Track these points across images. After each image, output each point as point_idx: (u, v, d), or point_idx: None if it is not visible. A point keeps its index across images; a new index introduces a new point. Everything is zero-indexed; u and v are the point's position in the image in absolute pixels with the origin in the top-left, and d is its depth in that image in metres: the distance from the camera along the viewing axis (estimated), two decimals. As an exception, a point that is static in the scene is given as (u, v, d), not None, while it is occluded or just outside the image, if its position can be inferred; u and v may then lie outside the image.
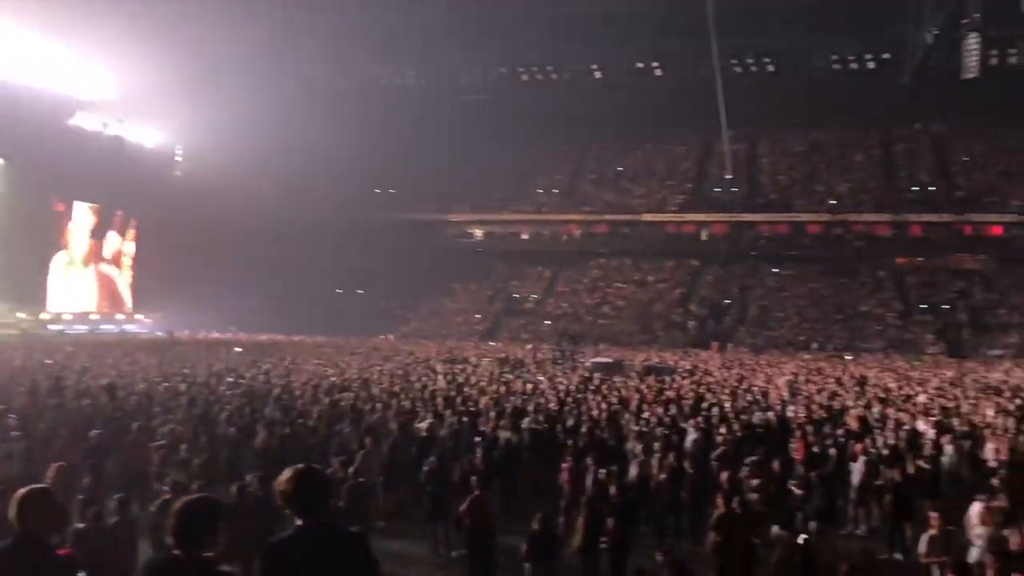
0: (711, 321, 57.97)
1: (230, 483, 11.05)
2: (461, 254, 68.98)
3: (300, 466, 4.14)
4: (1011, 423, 18.36)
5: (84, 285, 57.16)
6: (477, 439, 14.81)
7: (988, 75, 54.68)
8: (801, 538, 9.53)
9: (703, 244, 65.44)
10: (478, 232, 71.11)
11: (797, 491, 12.38)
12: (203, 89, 54.50)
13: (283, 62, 66.07)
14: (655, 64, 65.73)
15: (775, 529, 10.17)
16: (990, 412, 20.54)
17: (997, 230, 60.22)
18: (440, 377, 26.45)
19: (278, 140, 58.43)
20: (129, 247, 60.88)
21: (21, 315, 48.23)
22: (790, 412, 19.47)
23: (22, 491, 4.31)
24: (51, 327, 49.45)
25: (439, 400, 19.47)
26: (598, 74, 69.23)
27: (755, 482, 12.23)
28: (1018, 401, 23.12)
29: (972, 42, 50.90)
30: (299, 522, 3.97)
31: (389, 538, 12.16)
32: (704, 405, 19.87)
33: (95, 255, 58.23)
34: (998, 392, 26.06)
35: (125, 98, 52.60)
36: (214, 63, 58.04)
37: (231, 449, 14.17)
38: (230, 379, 23.55)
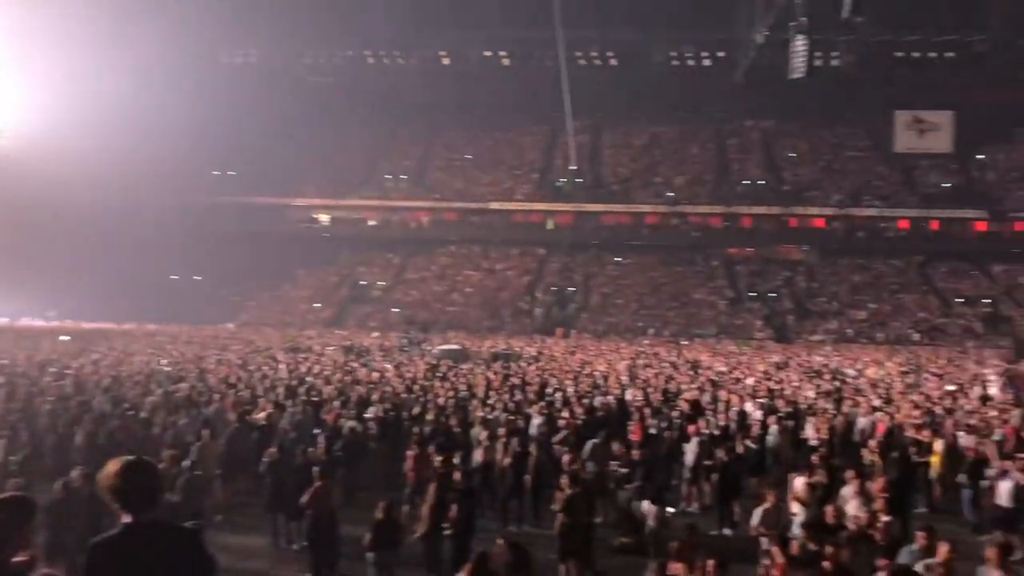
0: (556, 308, 59.18)
1: (54, 480, 10.42)
2: (306, 240, 67.29)
3: (126, 459, 3.91)
4: (830, 404, 19.68)
5: None
6: (318, 430, 14.59)
7: (813, 76, 58.27)
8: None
9: (549, 233, 66.63)
10: (324, 217, 69.59)
11: (621, 470, 12.90)
12: (30, 67, 50.74)
13: (122, 37, 62.27)
14: (503, 53, 66.21)
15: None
16: (811, 394, 21.97)
17: (820, 222, 64.39)
18: (282, 366, 25.81)
19: (115, 118, 55.02)
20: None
21: None
22: (629, 396, 20.14)
23: None
24: None
25: (280, 390, 19.01)
26: (446, 60, 69.09)
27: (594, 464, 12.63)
28: (836, 383, 24.85)
29: (799, 44, 54.00)
30: (127, 519, 3.77)
31: (228, 532, 11.82)
32: (548, 390, 20.28)
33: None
34: (819, 375, 27.91)
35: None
36: (41, 41, 54.02)
37: (55, 444, 13.35)
38: (54, 369, 22.17)
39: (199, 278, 63.56)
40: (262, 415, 15.23)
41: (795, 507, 10.54)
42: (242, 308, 60.42)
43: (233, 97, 65.59)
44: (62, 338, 35.29)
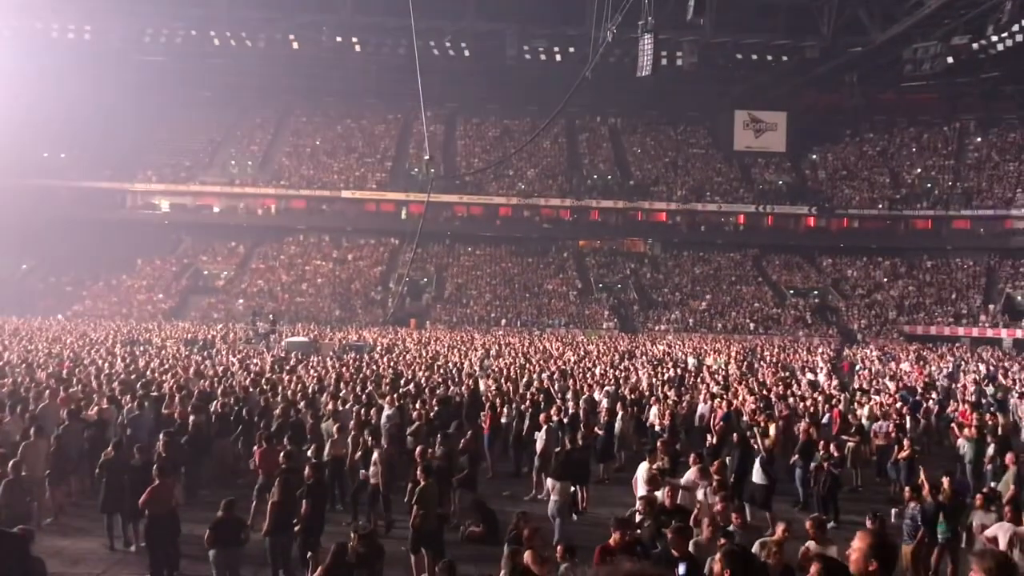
0: (409, 299, 58.90)
1: None
2: (144, 227, 64.00)
3: None
4: (672, 391, 20.49)
5: None
6: (160, 426, 13.97)
7: (659, 74, 60.17)
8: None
9: (402, 222, 66.11)
10: (164, 203, 66.40)
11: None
12: None
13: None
14: (354, 39, 64.98)
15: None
16: (655, 381, 22.81)
17: (663, 217, 66.83)
18: (118, 360, 24.53)
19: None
20: None
21: None
22: (482, 386, 20.31)
23: None
24: None
25: (116, 384, 18.06)
26: (296, 45, 67.20)
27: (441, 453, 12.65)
28: (678, 371, 25.90)
29: (646, 43, 55.67)
30: None
31: (58, 536, 11.18)
32: (401, 382, 20.18)
33: None
34: (661, 363, 29.01)
35: None
36: None
37: None
38: None
39: (26, 266, 59.45)
40: (95, 411, 14.43)
41: (639, 490, 10.91)
42: (76, 298, 56.91)
43: (66, 74, 61.62)
44: None
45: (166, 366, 22.91)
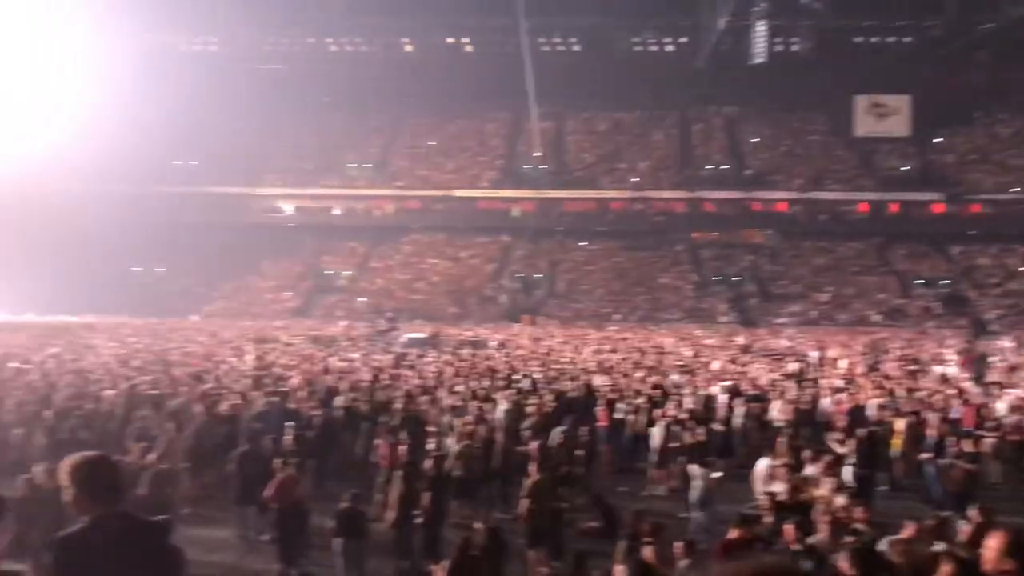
0: (522, 295, 59.25)
1: (15, 475, 10.30)
2: (270, 229, 66.65)
3: (87, 453, 3.89)
4: (793, 386, 19.95)
5: None
6: (288, 420, 14.51)
7: (774, 61, 58.74)
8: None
9: (514, 220, 66.59)
10: (288, 207, 68.94)
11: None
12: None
13: (83, 28, 61.07)
14: (465, 40, 65.94)
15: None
16: (776, 376, 22.25)
17: (782, 206, 65.01)
18: (249, 357, 25.60)
19: (73, 110, 54.01)
20: None
21: None
22: (596, 381, 20.26)
23: None
24: None
25: (248, 381, 18.87)
26: (409, 48, 68.68)
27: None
28: (800, 365, 25.20)
29: (760, 30, 54.48)
30: (92, 514, 3.74)
31: (196, 525, 11.75)
32: (516, 377, 20.34)
33: None
34: (783, 357, 28.29)
35: None
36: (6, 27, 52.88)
37: (17, 438, 13.15)
38: (14, 364, 21.80)
39: (162, 270, 62.77)
40: (228, 407, 15.13)
41: (760, 487, 10.71)
42: (207, 299, 59.75)
43: (195, 87, 64.76)
44: (21, 332, 34.65)
45: (293, 363, 23.77)
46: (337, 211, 68.11)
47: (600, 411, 16.35)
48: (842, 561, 6.11)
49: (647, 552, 7.31)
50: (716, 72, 62.39)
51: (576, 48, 65.33)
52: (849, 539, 7.37)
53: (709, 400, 17.87)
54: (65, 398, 15.57)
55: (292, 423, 13.99)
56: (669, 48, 63.41)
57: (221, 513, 12.32)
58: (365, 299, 57.89)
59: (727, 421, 15.94)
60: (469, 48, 66.27)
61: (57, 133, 52.63)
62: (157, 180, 64.38)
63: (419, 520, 9.99)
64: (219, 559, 10.73)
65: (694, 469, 11.80)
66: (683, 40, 64.13)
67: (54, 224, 55.31)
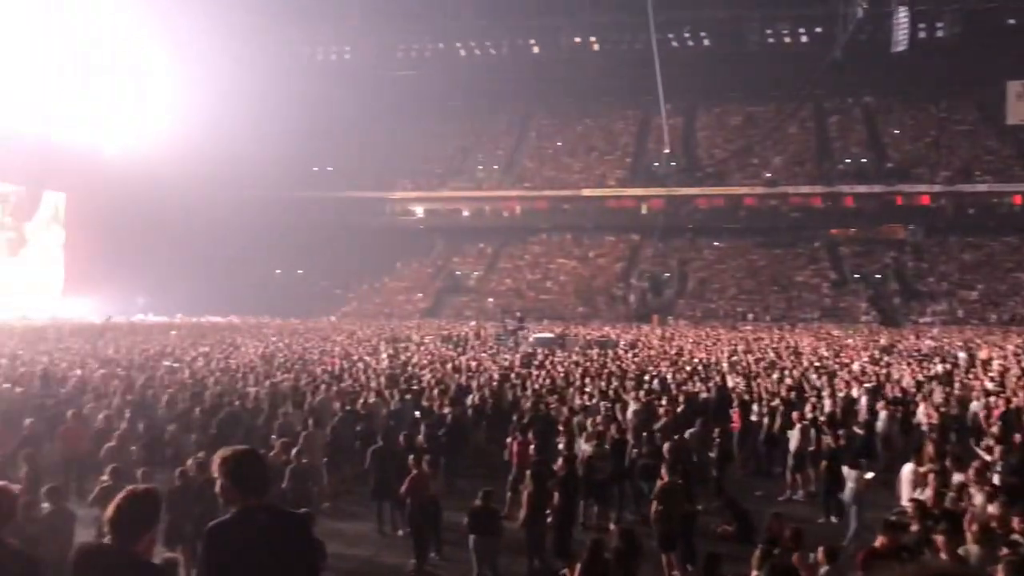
0: (651, 295, 58.59)
1: (172, 468, 10.89)
2: (402, 232, 68.47)
3: (237, 448, 4.07)
4: (939, 388, 18.93)
5: (15, 270, 55.31)
6: (420, 416, 14.81)
7: (916, 48, 55.89)
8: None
9: (643, 218, 65.91)
10: (419, 209, 70.56)
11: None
12: (135, 70, 52.83)
13: (219, 40, 64.49)
14: (592, 38, 65.75)
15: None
16: (920, 377, 21.18)
17: (925, 200, 61.82)
18: (383, 356, 26.31)
19: (214, 120, 57.02)
20: (60, 231, 58.90)
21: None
22: (729, 383, 19.81)
23: None
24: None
25: (382, 379, 19.37)
26: (536, 49, 69.06)
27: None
28: (947, 367, 23.89)
29: (901, 16, 51.92)
30: (240, 505, 3.91)
31: (334, 519, 12.12)
32: (646, 378, 20.11)
33: (24, 239, 56.33)
34: (928, 359, 26.88)
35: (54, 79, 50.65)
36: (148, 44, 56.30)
37: (171, 434, 13.92)
38: (167, 363, 23.12)
39: (301, 271, 65.38)
40: (364, 405, 15.56)
41: (905, 493, 10.21)
42: (344, 300, 61.87)
43: (331, 95, 67.13)
44: (172, 332, 36.73)
45: (425, 362, 24.27)
46: (466, 213, 69.18)
47: (733, 413, 15.97)
48: (999, 573, 5.73)
49: (795, 557, 7.08)
50: (853, 62, 59.84)
51: (706, 42, 64.07)
52: (1005, 551, 6.91)
53: (849, 402, 17.17)
54: (214, 395, 16.38)
55: (425, 421, 14.27)
56: (803, 39, 61.27)
57: (359, 508, 12.66)
58: (493, 299, 58.54)
59: (868, 424, 15.27)
60: (596, 47, 66.06)
61: (204, 144, 55.54)
62: (296, 186, 67.11)
63: (549, 520, 9.99)
64: (357, 552, 11.04)
65: (846, 471, 11.45)
66: (818, 30, 61.87)
67: (203, 230, 58.47)
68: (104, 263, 53.83)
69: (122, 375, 19.64)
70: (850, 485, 11.24)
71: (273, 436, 12.98)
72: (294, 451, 11.48)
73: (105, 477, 9.89)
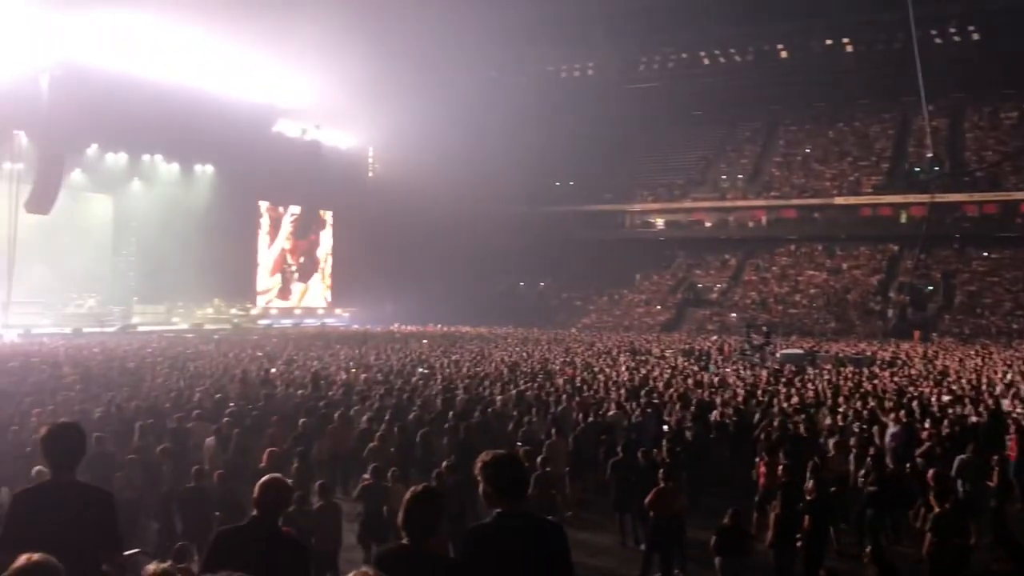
0: (912, 309, 54.51)
1: (423, 470, 11.49)
2: (642, 244, 68.38)
3: (498, 452, 4.15)
4: None
5: (288, 282, 60.99)
6: (663, 432, 14.66)
7: None
8: None
9: (902, 227, 61.56)
10: (659, 221, 70.12)
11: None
12: (390, 91, 56.58)
13: (465, 60, 67.82)
14: (845, 40, 62.51)
15: None
16: None
17: None
18: (623, 368, 26.35)
19: (462, 137, 60.00)
20: (327, 246, 64.29)
21: (234, 311, 52.16)
22: (1004, 406, 18.04)
23: (265, 479, 4.63)
24: (260, 322, 53.09)
25: (622, 392, 19.38)
26: (784, 54, 66.71)
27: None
28: None
29: None
30: (498, 509, 4.02)
31: (576, 528, 12.24)
32: (906, 399, 18.74)
33: (296, 254, 61.95)
34: None
35: (320, 104, 55.27)
36: (399, 66, 60.15)
37: (424, 437, 14.65)
38: (421, 369, 24.48)
39: (543, 284, 67.03)
40: (607, 416, 15.64)
41: None
42: (584, 312, 62.68)
43: (572, 109, 68.49)
44: (423, 341, 38.83)
45: (666, 376, 24.03)
46: (708, 224, 67.91)
47: (1010, 441, 14.49)
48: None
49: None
50: None
51: (975, 36, 58.88)
52: None
53: None
54: (463, 401, 17.11)
55: (666, 435, 14.11)
56: (1093, 24, 54.68)
57: (600, 518, 12.71)
58: (737, 313, 56.97)
59: None
60: (850, 48, 62.71)
61: (455, 162, 58.47)
62: (539, 200, 68.97)
63: (799, 543, 9.54)
64: (599, 563, 11.09)
65: None
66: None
67: (451, 244, 61.57)
68: (364, 275, 58.12)
69: (381, 380, 21.04)
70: None
71: (518, 443, 13.32)
72: (538, 459, 11.72)
73: (367, 476, 10.62)
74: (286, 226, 60.68)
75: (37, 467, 7.91)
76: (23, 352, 26.83)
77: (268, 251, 59.03)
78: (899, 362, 30.83)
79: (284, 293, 60.19)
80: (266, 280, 58.75)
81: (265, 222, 58.82)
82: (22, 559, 3.12)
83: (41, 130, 39.29)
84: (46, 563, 3.13)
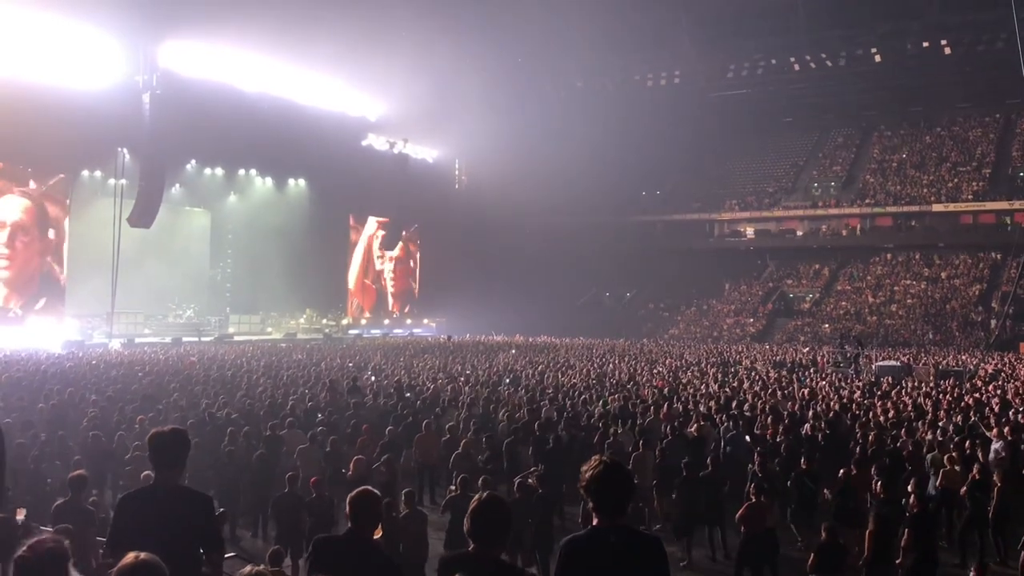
0: (1018, 320, 52.13)
1: (510, 478, 11.51)
2: (731, 253, 67.25)
3: (607, 461, 4.09)
4: None
5: (376, 293, 62.11)
6: (754, 445, 14.36)
7: None
8: None
9: (1007, 234, 58.96)
10: (749, 230, 68.85)
11: None
12: (476, 103, 57.11)
13: (550, 71, 68.01)
14: (943, 42, 60.40)
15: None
16: None
17: None
18: (711, 380, 25.94)
19: (547, 148, 60.14)
20: (415, 257, 65.25)
21: (325, 321, 53.34)
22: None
23: (357, 493, 4.89)
24: (350, 332, 54.13)
25: (711, 404, 19.08)
26: (877, 58, 64.85)
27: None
28: None
29: None
30: (597, 521, 3.99)
31: (667, 541, 12.08)
32: (1010, 412, 17.95)
33: (384, 266, 63.02)
34: None
35: (407, 117, 56.12)
36: (485, 78, 60.68)
37: (509, 447, 14.69)
38: (508, 379, 24.58)
39: (630, 293, 66.55)
40: (694, 428, 15.41)
41: None
42: (671, 322, 61.97)
43: (660, 118, 68.01)
44: (512, 351, 38.94)
45: (756, 387, 23.55)
46: (800, 232, 66.37)
47: None
48: None
49: None
50: None
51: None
52: None
53: None
54: (549, 412, 17.11)
55: (757, 449, 13.81)
56: None
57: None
58: (830, 323, 55.48)
59: None
60: (948, 50, 60.53)
61: (540, 173, 58.66)
62: (627, 210, 68.59)
63: (899, 561, 9.22)
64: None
65: None
66: None
67: (537, 255, 61.74)
68: (451, 286, 58.77)
69: (467, 390, 21.20)
70: None
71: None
72: (625, 470, 11.61)
73: (453, 487, 10.71)
74: (375, 238, 61.78)
75: (145, 471, 8.24)
76: (127, 360, 27.93)
77: (357, 263, 60.17)
78: (1002, 375, 29.53)
79: (373, 304, 61.29)
80: (356, 291, 59.92)
81: (355, 234, 60.00)
82: (130, 557, 3.28)
83: (143, 147, 40.91)
84: (152, 562, 3.29)
